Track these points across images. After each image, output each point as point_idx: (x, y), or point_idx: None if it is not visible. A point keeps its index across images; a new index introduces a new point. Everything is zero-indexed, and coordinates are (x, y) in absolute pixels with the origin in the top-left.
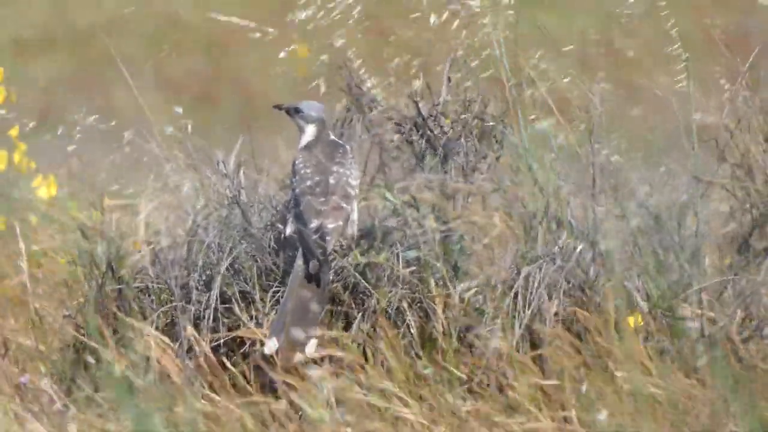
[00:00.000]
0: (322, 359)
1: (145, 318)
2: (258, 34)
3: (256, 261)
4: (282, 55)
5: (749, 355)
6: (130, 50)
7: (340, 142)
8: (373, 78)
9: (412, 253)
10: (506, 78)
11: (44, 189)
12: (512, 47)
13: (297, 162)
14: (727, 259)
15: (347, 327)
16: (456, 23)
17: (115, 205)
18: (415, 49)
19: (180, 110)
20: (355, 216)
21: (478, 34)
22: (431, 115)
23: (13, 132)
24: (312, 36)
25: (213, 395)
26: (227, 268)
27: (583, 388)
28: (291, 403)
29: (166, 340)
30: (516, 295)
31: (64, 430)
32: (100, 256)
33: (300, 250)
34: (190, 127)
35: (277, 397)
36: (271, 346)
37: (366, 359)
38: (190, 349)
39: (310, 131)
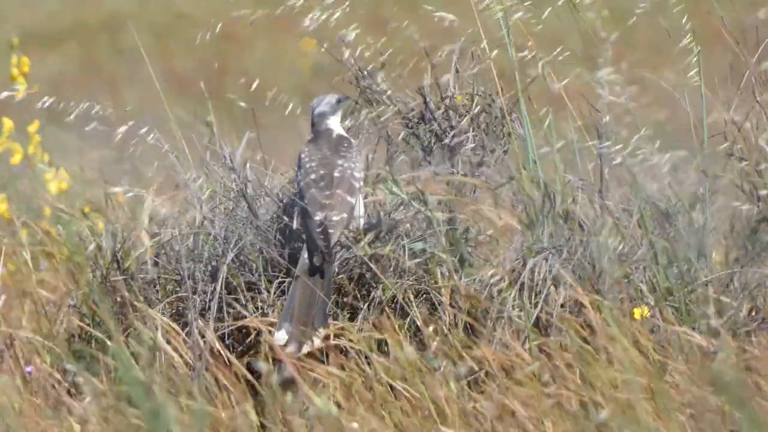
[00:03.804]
0: (328, 351)
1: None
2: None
3: (262, 253)
4: (309, 26)
5: (754, 347)
6: (136, 44)
7: (346, 135)
8: (380, 71)
9: (419, 245)
10: (513, 71)
11: (54, 183)
12: (520, 41)
13: (302, 155)
14: (733, 253)
15: (353, 318)
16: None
17: (122, 198)
18: (423, 42)
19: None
20: (360, 209)
21: (487, 27)
22: (438, 108)
23: (32, 128)
24: (321, 31)
25: (218, 389)
26: (233, 260)
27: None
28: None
29: (176, 327)
30: (522, 287)
31: (69, 422)
32: (106, 248)
33: (305, 242)
34: (195, 120)
35: (284, 390)
36: (279, 338)
37: (371, 351)
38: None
39: (321, 125)
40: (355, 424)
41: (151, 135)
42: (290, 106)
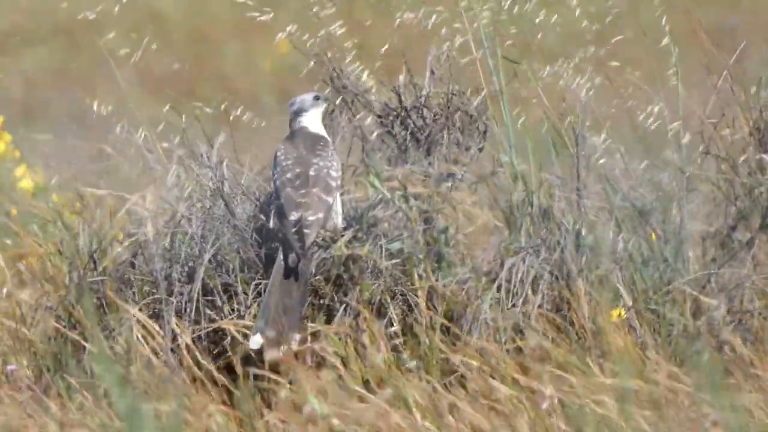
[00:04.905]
0: (304, 352)
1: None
2: (258, 15)
3: (239, 253)
4: (280, 35)
5: (732, 347)
6: (113, 44)
7: (322, 134)
8: (356, 70)
9: (396, 245)
10: (491, 71)
11: (27, 181)
12: (497, 41)
13: (278, 153)
14: (711, 253)
15: (329, 320)
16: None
17: (98, 198)
18: (400, 43)
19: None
20: (338, 208)
21: (465, 28)
22: (414, 107)
23: None
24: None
25: (193, 389)
26: (210, 260)
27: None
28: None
29: (155, 326)
30: (500, 287)
31: (44, 420)
32: (82, 248)
33: (281, 243)
34: (172, 120)
35: (261, 390)
36: (254, 342)
37: (347, 353)
38: (173, 340)
39: (297, 122)
40: (336, 420)
41: (137, 134)
42: (264, 107)
